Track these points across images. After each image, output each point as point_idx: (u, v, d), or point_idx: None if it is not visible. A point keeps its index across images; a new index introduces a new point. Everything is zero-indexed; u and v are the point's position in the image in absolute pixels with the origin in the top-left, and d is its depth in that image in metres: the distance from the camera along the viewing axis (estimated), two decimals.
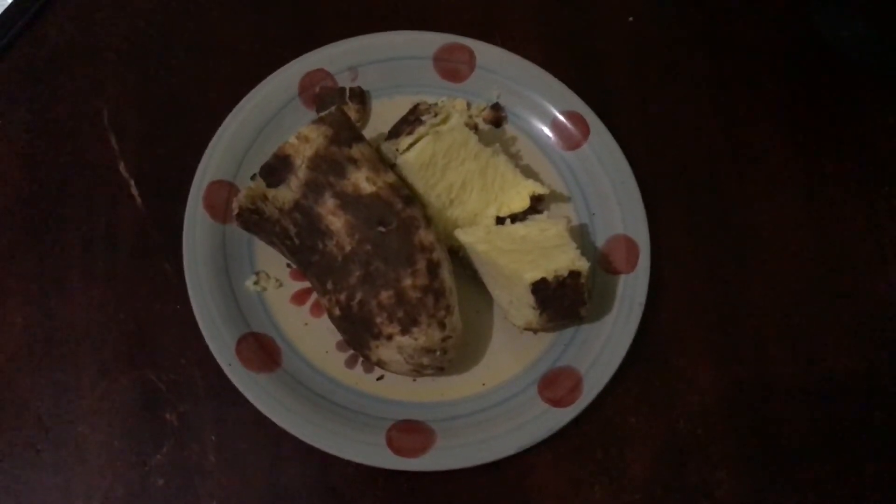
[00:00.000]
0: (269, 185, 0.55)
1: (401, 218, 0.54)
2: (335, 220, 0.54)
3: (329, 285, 0.55)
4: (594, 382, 0.57)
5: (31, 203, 0.62)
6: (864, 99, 0.71)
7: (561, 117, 0.66)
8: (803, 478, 0.59)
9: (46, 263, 0.60)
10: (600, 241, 0.63)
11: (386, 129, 0.62)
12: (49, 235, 0.61)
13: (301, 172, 0.54)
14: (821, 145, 0.69)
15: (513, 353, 0.60)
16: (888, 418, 0.61)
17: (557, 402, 0.57)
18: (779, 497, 0.58)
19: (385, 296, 0.53)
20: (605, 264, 0.62)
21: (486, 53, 0.67)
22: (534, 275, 0.54)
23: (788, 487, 0.58)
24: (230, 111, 0.62)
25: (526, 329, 0.59)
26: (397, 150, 0.59)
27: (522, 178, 0.61)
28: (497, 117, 0.66)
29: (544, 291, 0.54)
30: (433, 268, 0.54)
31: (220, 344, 0.56)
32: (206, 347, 0.56)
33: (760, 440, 0.59)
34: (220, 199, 0.60)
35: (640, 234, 0.62)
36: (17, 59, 0.66)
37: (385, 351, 0.54)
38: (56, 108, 0.65)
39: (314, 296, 0.60)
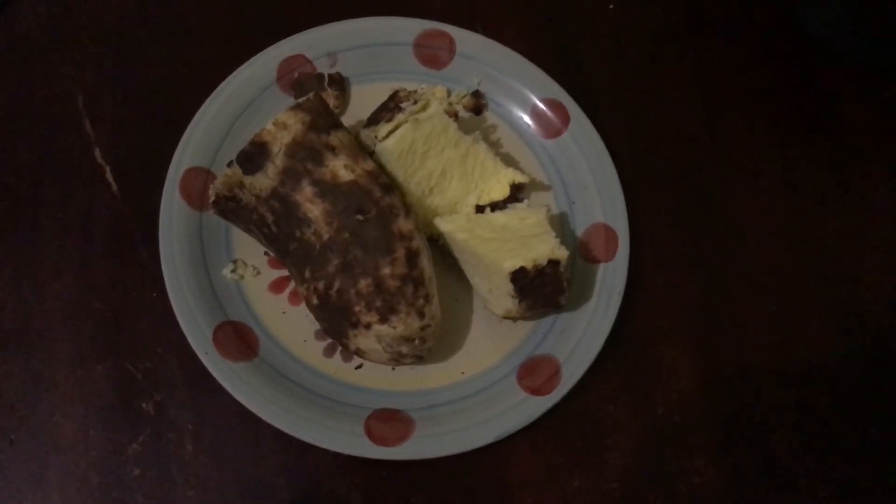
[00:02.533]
0: (246, 173, 0.54)
1: (379, 206, 0.54)
2: (313, 208, 0.54)
3: (307, 274, 0.54)
4: (573, 371, 0.58)
5: (5, 189, 0.61)
6: (845, 87, 0.71)
7: (541, 105, 0.65)
8: (782, 465, 0.59)
9: (20, 250, 0.59)
10: (580, 229, 0.63)
11: (365, 115, 0.62)
12: (23, 222, 0.60)
13: (278, 160, 0.54)
14: (801, 134, 0.70)
15: (492, 341, 0.60)
16: (867, 404, 0.61)
17: (536, 391, 0.57)
18: (757, 484, 0.58)
19: (363, 284, 0.53)
20: (584, 253, 0.62)
21: (467, 40, 0.66)
22: (513, 263, 0.54)
23: (767, 475, 0.59)
24: (207, 97, 0.62)
25: (505, 317, 0.59)
26: (376, 137, 0.58)
27: (502, 166, 0.61)
28: (477, 105, 0.66)
29: (523, 280, 0.54)
30: (412, 256, 0.54)
31: (197, 333, 0.56)
32: (183, 336, 0.56)
33: (739, 428, 0.60)
34: (196, 186, 0.60)
35: (620, 223, 0.62)
36: None
37: (363, 340, 0.54)
38: (30, 94, 0.64)
39: (292, 284, 0.59)
